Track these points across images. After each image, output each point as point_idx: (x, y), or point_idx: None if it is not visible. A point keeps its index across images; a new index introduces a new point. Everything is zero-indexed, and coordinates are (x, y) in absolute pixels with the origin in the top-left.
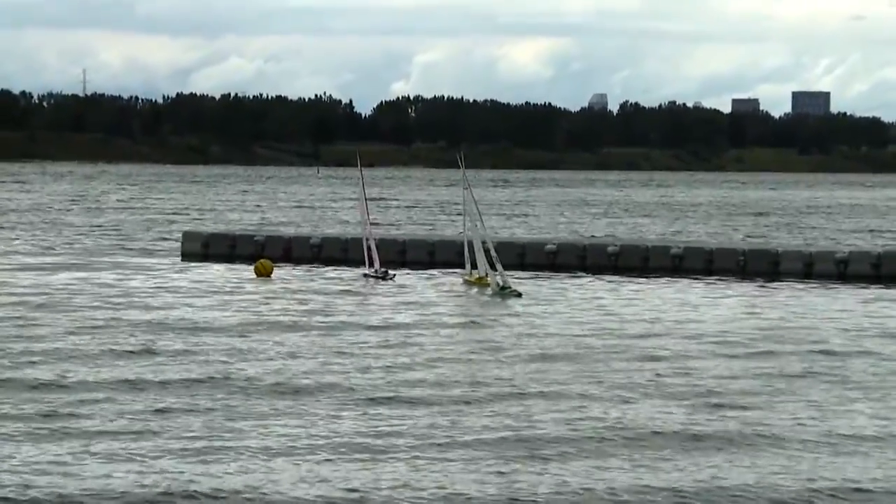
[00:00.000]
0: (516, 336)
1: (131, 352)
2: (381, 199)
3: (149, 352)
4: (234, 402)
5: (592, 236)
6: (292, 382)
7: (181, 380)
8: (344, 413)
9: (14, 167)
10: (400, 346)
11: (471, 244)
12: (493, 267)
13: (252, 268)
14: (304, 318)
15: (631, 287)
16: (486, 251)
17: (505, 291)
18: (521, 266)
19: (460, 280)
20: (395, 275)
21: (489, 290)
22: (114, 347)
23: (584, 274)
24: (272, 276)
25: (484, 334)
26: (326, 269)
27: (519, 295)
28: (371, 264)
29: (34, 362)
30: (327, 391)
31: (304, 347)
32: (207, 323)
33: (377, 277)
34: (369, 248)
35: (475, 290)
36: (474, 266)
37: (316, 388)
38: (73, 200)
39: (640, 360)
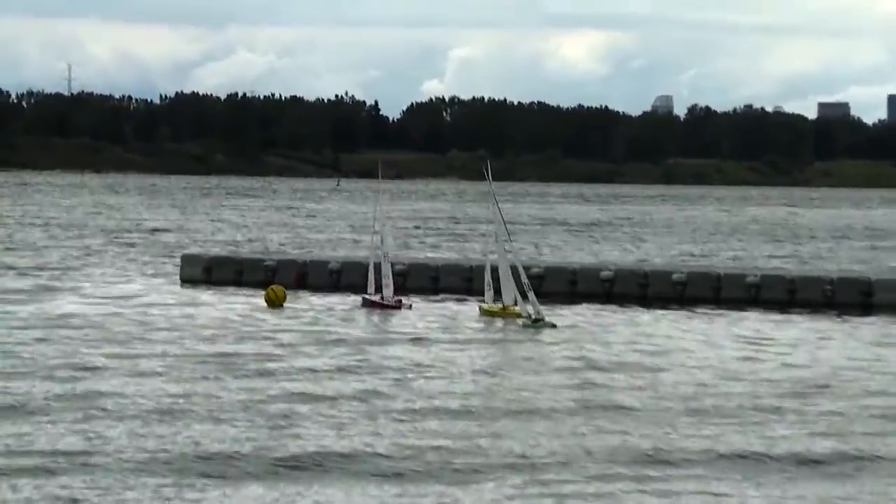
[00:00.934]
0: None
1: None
2: (392, 216)
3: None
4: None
5: (643, 261)
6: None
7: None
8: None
9: None
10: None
11: (495, 269)
12: (524, 296)
13: (262, 296)
14: (331, 361)
15: (698, 321)
16: (517, 277)
17: (538, 323)
18: (572, 295)
19: (477, 309)
20: (410, 304)
21: (519, 322)
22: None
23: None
24: (285, 305)
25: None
26: (348, 297)
27: (553, 326)
28: (378, 290)
29: None
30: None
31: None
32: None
33: (388, 307)
34: (378, 270)
35: (500, 322)
36: (498, 294)
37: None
38: (51, 215)
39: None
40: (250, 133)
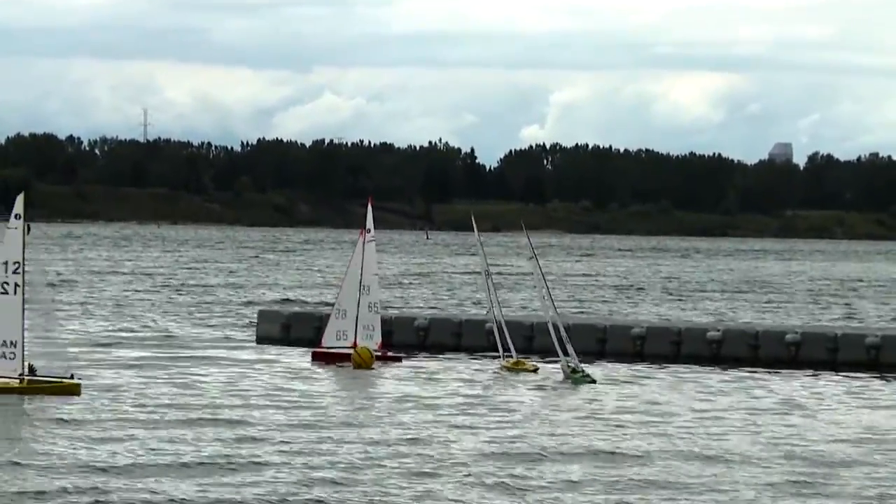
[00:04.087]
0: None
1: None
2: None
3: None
4: None
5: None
6: None
7: None
8: None
9: (63, 228)
10: None
11: (500, 325)
12: (564, 351)
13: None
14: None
15: (725, 379)
16: (557, 331)
17: (577, 376)
18: (601, 353)
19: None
20: (536, 367)
21: (562, 377)
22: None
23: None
24: (372, 366)
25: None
26: (439, 356)
27: (593, 381)
28: (507, 349)
29: None
30: None
31: None
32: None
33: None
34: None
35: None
36: (506, 350)
37: None
38: (128, 269)
39: None
40: (336, 182)
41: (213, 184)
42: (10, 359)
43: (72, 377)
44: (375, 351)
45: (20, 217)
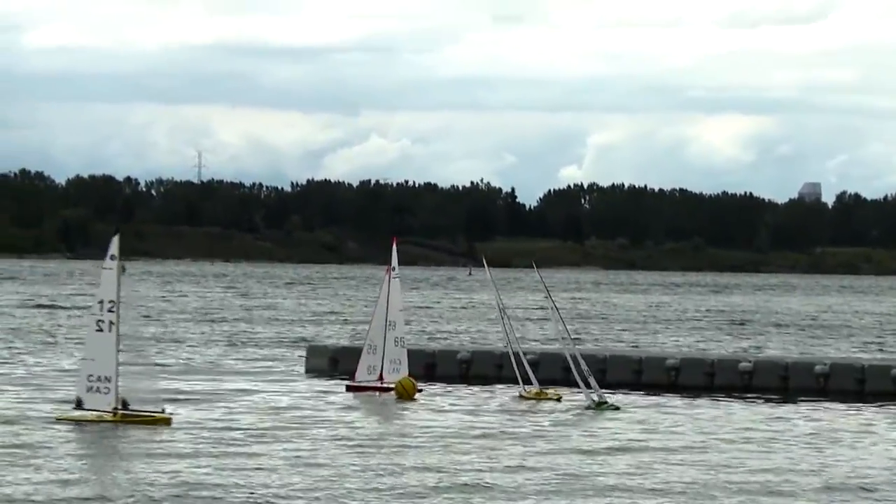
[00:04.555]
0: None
1: None
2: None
3: None
4: None
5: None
6: None
7: None
8: None
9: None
10: None
11: (518, 356)
12: (587, 384)
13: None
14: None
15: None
16: (577, 365)
17: (602, 406)
18: (638, 385)
19: (517, 394)
20: (560, 396)
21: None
22: None
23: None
24: (415, 397)
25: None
26: (475, 389)
27: (617, 409)
28: (527, 381)
29: None
30: None
31: None
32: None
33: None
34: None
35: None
36: (527, 381)
37: None
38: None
39: None
40: (382, 221)
41: (265, 223)
42: (104, 393)
43: (163, 411)
44: (389, 384)
45: (115, 258)
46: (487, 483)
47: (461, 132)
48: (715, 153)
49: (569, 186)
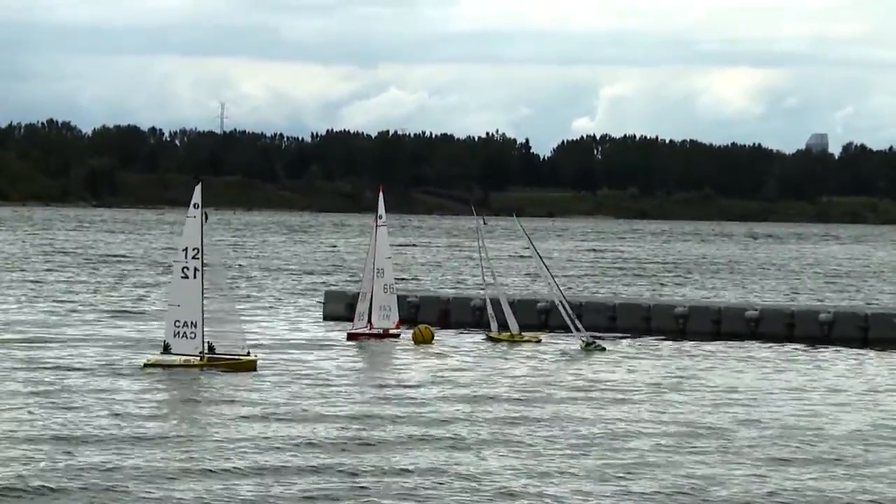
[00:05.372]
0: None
1: None
2: (509, 255)
3: None
4: None
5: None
6: None
7: None
8: None
9: (147, 214)
10: None
11: (496, 302)
12: (576, 327)
13: (410, 334)
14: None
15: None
16: (564, 309)
17: (590, 347)
18: (648, 331)
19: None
20: (539, 339)
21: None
22: None
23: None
24: (433, 343)
25: None
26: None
27: (603, 349)
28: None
29: None
30: None
31: None
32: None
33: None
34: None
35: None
36: (504, 327)
37: None
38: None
39: None
40: (400, 170)
41: (285, 172)
42: (191, 338)
43: (248, 354)
44: (392, 329)
45: (198, 206)
46: None
47: (477, 84)
48: (725, 105)
49: (582, 138)
